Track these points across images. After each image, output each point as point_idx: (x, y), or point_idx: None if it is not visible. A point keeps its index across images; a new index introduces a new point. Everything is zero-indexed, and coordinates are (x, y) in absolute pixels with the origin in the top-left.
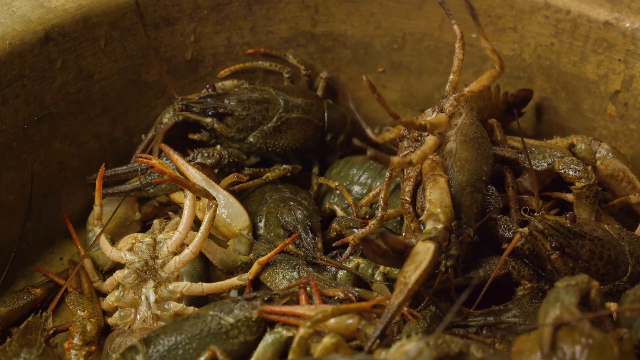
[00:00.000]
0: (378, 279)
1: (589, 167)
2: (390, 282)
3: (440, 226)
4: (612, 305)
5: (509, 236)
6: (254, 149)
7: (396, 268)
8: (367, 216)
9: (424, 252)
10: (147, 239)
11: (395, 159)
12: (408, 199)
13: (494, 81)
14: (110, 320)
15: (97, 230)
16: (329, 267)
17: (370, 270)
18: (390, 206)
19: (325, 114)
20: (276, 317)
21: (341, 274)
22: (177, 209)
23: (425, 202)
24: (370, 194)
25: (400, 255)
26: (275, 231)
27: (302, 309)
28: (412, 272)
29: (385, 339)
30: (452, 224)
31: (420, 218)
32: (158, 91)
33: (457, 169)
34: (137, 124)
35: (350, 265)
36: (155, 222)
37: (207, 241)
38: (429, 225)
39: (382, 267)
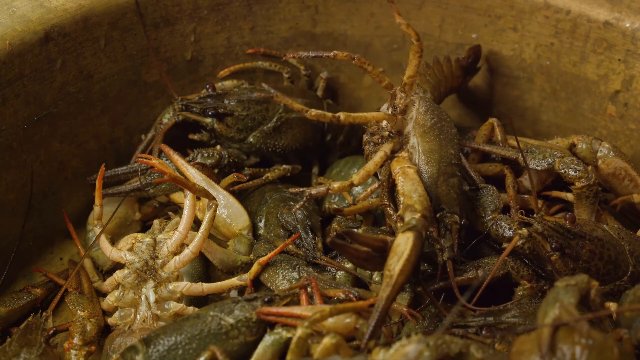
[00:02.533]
0: (377, 279)
1: (589, 167)
2: None
3: (417, 215)
4: (612, 305)
5: (509, 235)
6: (254, 149)
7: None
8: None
9: (404, 242)
10: (147, 239)
11: (335, 185)
12: (386, 202)
13: (421, 55)
14: (110, 320)
15: (97, 230)
16: (329, 267)
17: (368, 271)
18: None
19: None
20: (274, 319)
21: (340, 274)
22: (177, 209)
23: (399, 196)
24: (369, 189)
25: (384, 254)
26: (275, 231)
27: (299, 309)
28: (396, 263)
29: (383, 337)
30: (438, 214)
31: (398, 213)
32: (158, 91)
33: (424, 162)
34: (137, 124)
35: (349, 265)
36: (155, 222)
37: (207, 241)
38: (407, 217)
39: None
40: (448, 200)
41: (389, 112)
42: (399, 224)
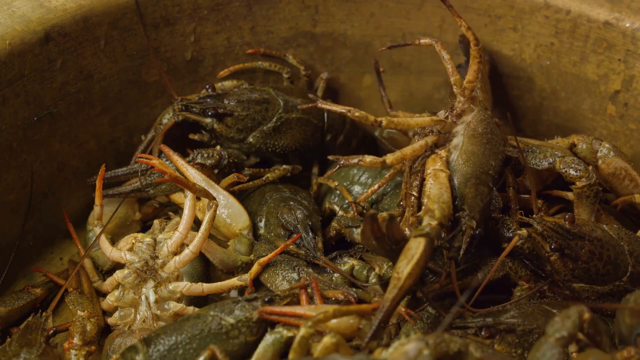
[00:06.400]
0: (373, 280)
1: (590, 167)
2: (384, 282)
3: (434, 222)
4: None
5: (509, 235)
6: (254, 150)
7: (385, 257)
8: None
9: (415, 247)
10: (147, 239)
11: (367, 159)
12: (415, 193)
13: (480, 61)
14: (110, 320)
15: (97, 230)
16: (327, 267)
17: (365, 272)
18: (390, 207)
19: (325, 114)
20: (276, 318)
21: (337, 275)
22: (177, 209)
23: (424, 197)
24: (369, 190)
25: (394, 245)
26: (276, 231)
27: (302, 309)
28: (405, 267)
29: (385, 338)
30: (457, 213)
31: (419, 213)
32: (158, 91)
33: (462, 160)
34: (137, 124)
35: (345, 267)
36: (156, 222)
37: (207, 241)
38: (425, 221)
39: (377, 269)
40: (472, 204)
41: (443, 115)
42: (412, 219)
